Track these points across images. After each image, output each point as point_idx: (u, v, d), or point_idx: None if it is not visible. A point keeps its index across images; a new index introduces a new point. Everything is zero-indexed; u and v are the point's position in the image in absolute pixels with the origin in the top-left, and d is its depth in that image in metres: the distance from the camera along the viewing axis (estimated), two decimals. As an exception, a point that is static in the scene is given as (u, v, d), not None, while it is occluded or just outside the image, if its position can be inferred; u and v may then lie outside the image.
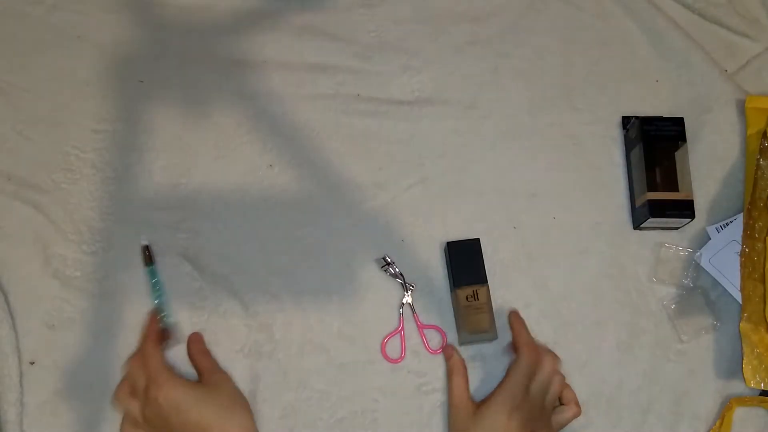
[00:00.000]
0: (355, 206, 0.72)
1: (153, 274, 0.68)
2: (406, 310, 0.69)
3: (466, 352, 0.68)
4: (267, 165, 0.73)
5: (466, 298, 0.66)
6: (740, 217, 0.71)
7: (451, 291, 0.69)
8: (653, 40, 0.78)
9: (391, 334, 0.68)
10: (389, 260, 0.69)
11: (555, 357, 0.65)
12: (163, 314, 0.67)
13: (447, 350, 0.67)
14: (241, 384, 0.66)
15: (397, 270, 0.69)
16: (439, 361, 0.68)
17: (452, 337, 0.69)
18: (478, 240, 0.69)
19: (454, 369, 0.65)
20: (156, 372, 0.60)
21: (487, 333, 0.66)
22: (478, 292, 0.67)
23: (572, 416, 0.64)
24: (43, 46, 0.76)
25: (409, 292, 0.69)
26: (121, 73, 0.76)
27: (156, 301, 0.67)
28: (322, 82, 0.76)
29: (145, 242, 0.69)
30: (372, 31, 0.78)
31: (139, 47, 0.77)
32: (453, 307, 0.69)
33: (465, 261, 0.68)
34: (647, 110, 0.76)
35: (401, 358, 0.68)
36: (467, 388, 0.64)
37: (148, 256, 0.69)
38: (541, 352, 0.64)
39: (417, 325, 0.69)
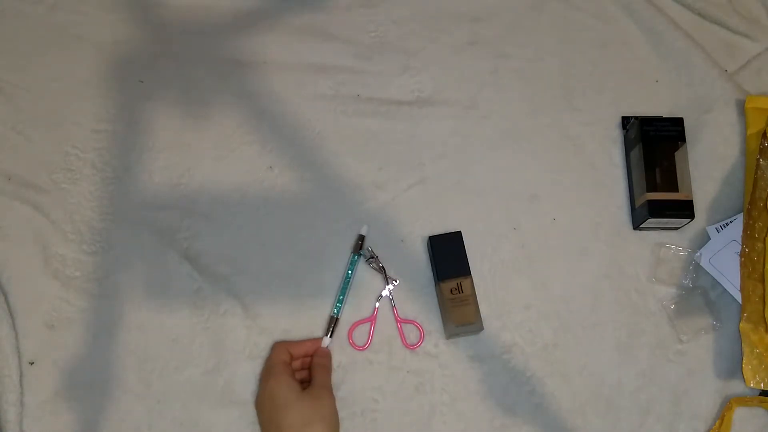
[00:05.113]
0: (355, 206, 0.72)
1: (352, 263, 0.69)
2: (386, 303, 0.69)
3: (465, 351, 0.68)
4: (267, 166, 0.73)
5: (450, 291, 0.66)
6: (740, 217, 0.71)
7: (435, 285, 0.69)
8: (653, 41, 0.78)
9: (360, 321, 0.69)
10: (374, 254, 0.70)
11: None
12: (338, 303, 0.68)
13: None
14: (243, 386, 0.66)
15: (381, 264, 0.70)
16: (439, 361, 0.68)
17: (435, 334, 0.69)
18: (459, 233, 0.68)
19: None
20: (275, 365, 0.64)
21: (473, 325, 0.66)
22: (462, 284, 0.66)
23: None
24: (43, 46, 0.76)
25: (391, 286, 0.69)
26: (121, 73, 0.76)
27: (344, 288, 0.69)
28: (322, 82, 0.76)
29: (363, 232, 0.70)
30: (372, 31, 0.78)
31: (139, 47, 0.77)
32: (438, 302, 0.69)
33: (447, 254, 0.68)
34: (647, 110, 0.76)
35: (366, 345, 0.68)
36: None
37: (360, 245, 0.69)
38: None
39: (396, 318, 0.69)
